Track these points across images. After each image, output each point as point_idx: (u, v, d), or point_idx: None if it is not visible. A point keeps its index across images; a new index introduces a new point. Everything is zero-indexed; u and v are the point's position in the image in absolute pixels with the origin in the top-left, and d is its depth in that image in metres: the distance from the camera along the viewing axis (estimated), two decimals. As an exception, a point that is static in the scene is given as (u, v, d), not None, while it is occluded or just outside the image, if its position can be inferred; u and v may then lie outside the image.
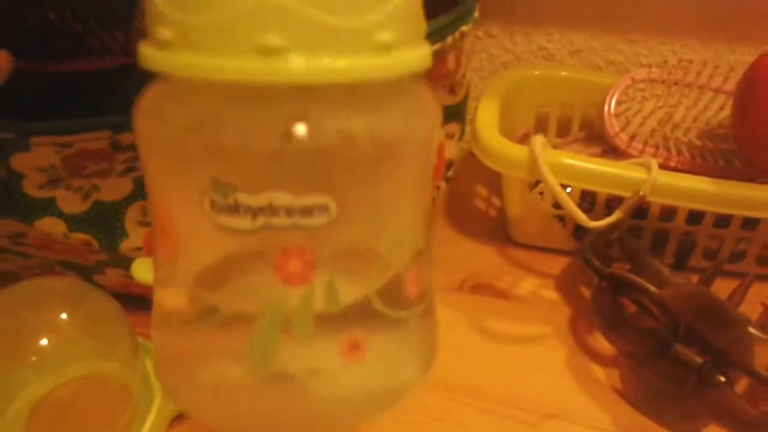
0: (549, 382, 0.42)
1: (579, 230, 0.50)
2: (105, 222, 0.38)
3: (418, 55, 0.21)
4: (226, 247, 0.22)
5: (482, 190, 0.60)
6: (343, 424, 0.24)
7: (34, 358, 0.36)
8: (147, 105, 0.22)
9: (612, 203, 0.47)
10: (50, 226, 0.37)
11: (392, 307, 0.23)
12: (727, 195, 0.44)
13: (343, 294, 0.22)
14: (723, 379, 0.38)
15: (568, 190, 0.47)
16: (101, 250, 0.39)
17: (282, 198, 0.20)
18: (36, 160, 0.35)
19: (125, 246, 0.39)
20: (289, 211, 0.20)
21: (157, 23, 0.19)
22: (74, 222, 0.37)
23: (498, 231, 0.55)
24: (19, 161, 0.35)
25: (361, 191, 0.21)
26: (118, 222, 0.38)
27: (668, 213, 0.47)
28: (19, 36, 0.39)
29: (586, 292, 0.49)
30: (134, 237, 0.38)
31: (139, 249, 0.39)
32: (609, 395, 0.41)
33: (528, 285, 0.50)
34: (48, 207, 0.37)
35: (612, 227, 0.46)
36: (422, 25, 0.22)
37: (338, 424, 0.24)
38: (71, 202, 0.37)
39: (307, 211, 0.20)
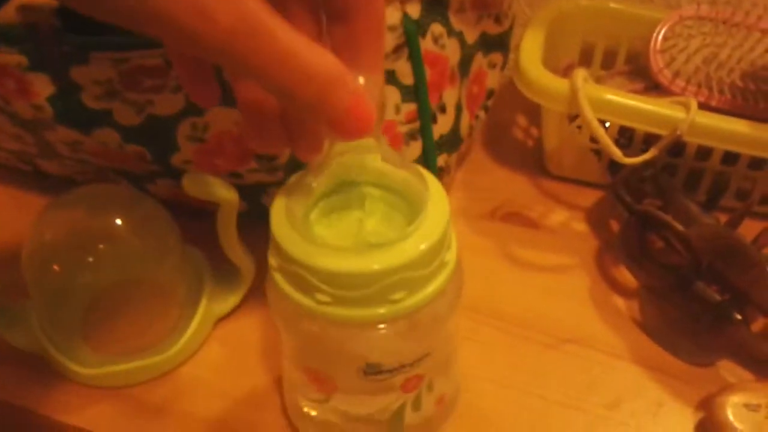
0: (570, 309, 0.44)
1: (614, 164, 0.50)
2: (158, 135, 0.40)
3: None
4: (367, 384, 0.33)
5: (521, 120, 0.60)
6: None
7: (90, 259, 0.38)
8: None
9: (649, 140, 0.47)
10: (106, 136, 0.40)
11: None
12: (763, 138, 0.45)
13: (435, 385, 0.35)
14: (739, 317, 0.39)
15: (607, 125, 0.48)
16: (153, 161, 0.41)
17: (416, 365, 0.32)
18: (94, 73, 0.36)
19: (176, 159, 0.41)
20: (413, 365, 0.32)
21: (315, 291, 0.28)
22: (129, 133, 0.40)
23: (534, 161, 0.56)
24: (78, 73, 0.36)
25: (443, 338, 0.34)
26: (170, 136, 0.39)
27: (704, 152, 0.48)
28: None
29: (615, 226, 0.50)
30: (185, 150, 0.40)
31: (188, 162, 0.41)
32: (627, 325, 0.43)
33: (558, 216, 0.51)
34: (105, 118, 0.39)
35: (647, 164, 0.46)
36: None
37: None
38: (126, 115, 0.39)
39: (423, 359, 0.32)
